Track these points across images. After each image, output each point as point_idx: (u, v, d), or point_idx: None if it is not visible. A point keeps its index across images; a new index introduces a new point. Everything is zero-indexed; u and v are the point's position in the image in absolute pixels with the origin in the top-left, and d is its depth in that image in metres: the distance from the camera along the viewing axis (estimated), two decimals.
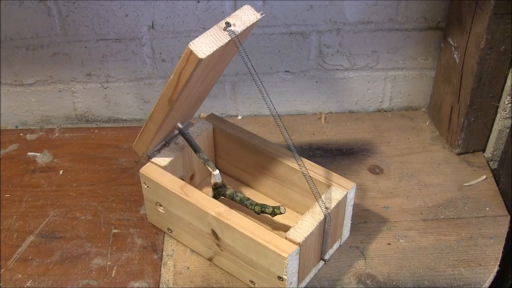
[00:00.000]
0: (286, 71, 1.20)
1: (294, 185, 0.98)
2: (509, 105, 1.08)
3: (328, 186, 0.92)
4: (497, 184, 1.09)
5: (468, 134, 1.13)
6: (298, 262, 0.86)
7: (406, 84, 1.23)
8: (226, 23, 0.80)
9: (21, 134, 1.21)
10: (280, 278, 0.85)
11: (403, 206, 1.05)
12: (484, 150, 1.16)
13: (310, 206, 0.89)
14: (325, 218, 0.87)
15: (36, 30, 1.12)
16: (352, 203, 0.94)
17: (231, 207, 0.89)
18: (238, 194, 0.96)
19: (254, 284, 0.91)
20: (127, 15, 1.10)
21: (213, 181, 0.96)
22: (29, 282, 0.94)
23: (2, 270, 0.95)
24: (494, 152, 1.14)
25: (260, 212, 0.94)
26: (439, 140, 1.19)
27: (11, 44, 1.13)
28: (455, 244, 0.99)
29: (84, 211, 1.05)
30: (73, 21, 1.11)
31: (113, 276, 0.95)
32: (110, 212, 1.05)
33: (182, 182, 0.93)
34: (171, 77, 0.82)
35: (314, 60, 1.18)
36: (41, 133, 1.22)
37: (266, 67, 1.19)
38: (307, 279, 0.93)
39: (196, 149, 0.97)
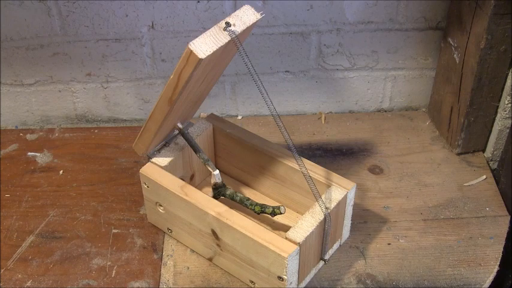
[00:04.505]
0: (286, 71, 1.20)
1: (294, 185, 0.98)
2: (509, 105, 1.08)
3: (328, 186, 0.92)
4: (497, 184, 1.09)
5: (468, 134, 1.13)
6: (298, 262, 0.86)
7: (406, 84, 1.23)
8: (226, 23, 0.80)
9: (21, 134, 1.21)
10: (280, 278, 0.85)
11: (403, 206, 1.05)
12: (484, 150, 1.16)
13: (310, 206, 0.89)
14: (325, 218, 0.87)
15: (36, 30, 1.12)
16: (352, 203, 0.94)
17: (231, 207, 0.89)
18: (238, 194, 0.96)
19: (254, 284, 0.91)
20: (127, 15, 1.10)
21: (213, 181, 0.96)
22: (29, 282, 0.94)
23: (2, 270, 0.95)
24: (494, 152, 1.14)
25: (260, 212, 0.94)
26: (439, 140, 1.19)
27: (11, 44, 1.13)
28: (455, 244, 0.99)
29: (84, 211, 1.05)
30: (73, 21, 1.11)
31: (113, 276, 0.95)
32: (110, 212, 1.05)
33: (182, 182, 0.93)
34: (171, 77, 0.82)
35: (314, 60, 1.18)
36: (41, 133, 1.22)
37: (266, 67, 1.19)
38: (307, 279, 0.93)
39: (196, 149, 0.97)
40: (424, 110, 1.27)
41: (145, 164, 0.97)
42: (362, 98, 1.25)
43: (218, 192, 0.97)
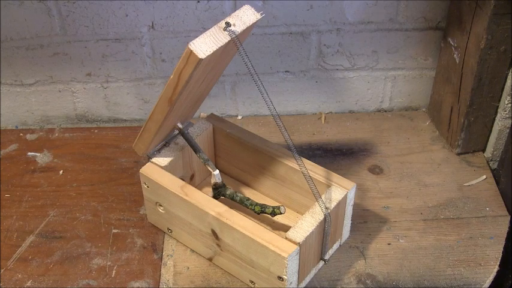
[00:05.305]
0: (286, 71, 1.20)
1: (294, 185, 0.98)
2: (509, 105, 1.08)
3: (328, 186, 0.92)
4: (497, 184, 1.09)
5: (468, 134, 1.13)
6: (298, 262, 0.86)
7: (406, 84, 1.23)
8: (226, 23, 0.80)
9: (21, 134, 1.21)
10: (280, 278, 0.85)
11: (403, 206, 1.05)
12: (484, 150, 1.16)
13: (310, 206, 0.89)
14: (325, 218, 0.87)
15: (36, 30, 1.12)
16: (352, 203, 0.94)
17: (231, 207, 0.89)
18: (238, 194, 0.96)
19: (254, 284, 0.91)
20: (127, 15, 1.10)
21: (213, 181, 0.96)
22: (29, 282, 0.94)
23: (2, 270, 0.95)
24: (494, 152, 1.14)
25: (260, 212, 0.94)
26: (439, 140, 1.19)
27: (11, 44, 1.13)
28: (455, 244, 0.99)
29: (84, 211, 1.05)
30: (73, 21, 1.11)
31: (113, 276, 0.95)
32: (110, 212, 1.05)
33: (182, 182, 0.93)
34: (171, 77, 0.82)
35: (314, 60, 1.18)
36: (41, 133, 1.22)
37: (266, 67, 1.19)
38: (307, 279, 0.93)
39: (196, 149, 0.97)
40: (424, 110, 1.27)
41: (145, 164, 0.97)
42: (362, 98, 1.25)
43: (218, 192, 0.97)
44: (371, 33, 1.15)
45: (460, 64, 1.08)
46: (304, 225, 0.86)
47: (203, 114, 1.24)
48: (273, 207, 0.92)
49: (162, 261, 0.97)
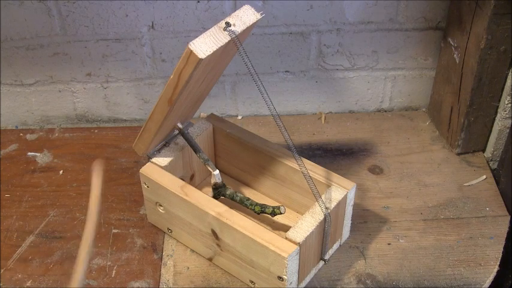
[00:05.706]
0: (286, 71, 1.20)
1: (294, 185, 0.98)
2: (509, 105, 1.08)
3: (328, 186, 0.92)
4: (497, 184, 1.09)
5: (468, 134, 1.13)
6: (298, 262, 0.86)
7: (406, 84, 1.23)
8: (226, 23, 0.80)
9: (21, 134, 1.21)
10: (280, 278, 0.85)
11: (403, 206, 1.05)
12: (484, 150, 1.16)
13: (310, 206, 0.89)
14: (325, 218, 0.87)
15: (36, 30, 1.12)
16: (352, 203, 0.94)
17: (231, 207, 0.89)
18: (238, 194, 0.96)
19: (254, 284, 0.91)
20: (127, 15, 1.10)
21: (213, 181, 0.96)
22: (29, 282, 0.94)
23: (2, 270, 0.95)
24: (494, 152, 1.14)
25: (260, 212, 0.94)
26: (439, 140, 1.19)
27: (11, 44, 1.13)
28: (455, 244, 0.99)
29: (84, 211, 1.05)
30: (73, 21, 1.11)
31: (113, 276, 0.95)
32: (110, 212, 1.05)
33: (182, 182, 0.93)
34: (171, 77, 0.82)
35: (314, 60, 1.18)
36: (41, 133, 1.22)
37: (266, 67, 1.19)
38: (307, 279, 0.93)
39: (196, 149, 0.97)
40: (424, 110, 1.27)
41: (145, 164, 0.97)
42: (362, 98, 1.25)
43: (218, 192, 0.97)
44: (371, 33, 1.15)
45: (460, 64, 1.08)
46: (304, 225, 0.86)
47: (203, 114, 1.24)
48: (273, 207, 0.92)
49: (162, 261, 0.97)
